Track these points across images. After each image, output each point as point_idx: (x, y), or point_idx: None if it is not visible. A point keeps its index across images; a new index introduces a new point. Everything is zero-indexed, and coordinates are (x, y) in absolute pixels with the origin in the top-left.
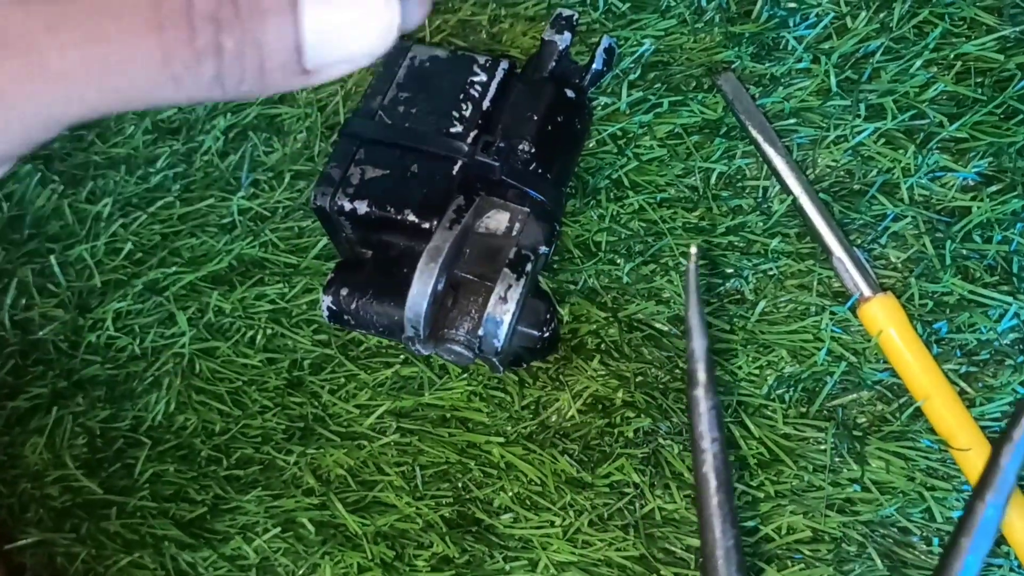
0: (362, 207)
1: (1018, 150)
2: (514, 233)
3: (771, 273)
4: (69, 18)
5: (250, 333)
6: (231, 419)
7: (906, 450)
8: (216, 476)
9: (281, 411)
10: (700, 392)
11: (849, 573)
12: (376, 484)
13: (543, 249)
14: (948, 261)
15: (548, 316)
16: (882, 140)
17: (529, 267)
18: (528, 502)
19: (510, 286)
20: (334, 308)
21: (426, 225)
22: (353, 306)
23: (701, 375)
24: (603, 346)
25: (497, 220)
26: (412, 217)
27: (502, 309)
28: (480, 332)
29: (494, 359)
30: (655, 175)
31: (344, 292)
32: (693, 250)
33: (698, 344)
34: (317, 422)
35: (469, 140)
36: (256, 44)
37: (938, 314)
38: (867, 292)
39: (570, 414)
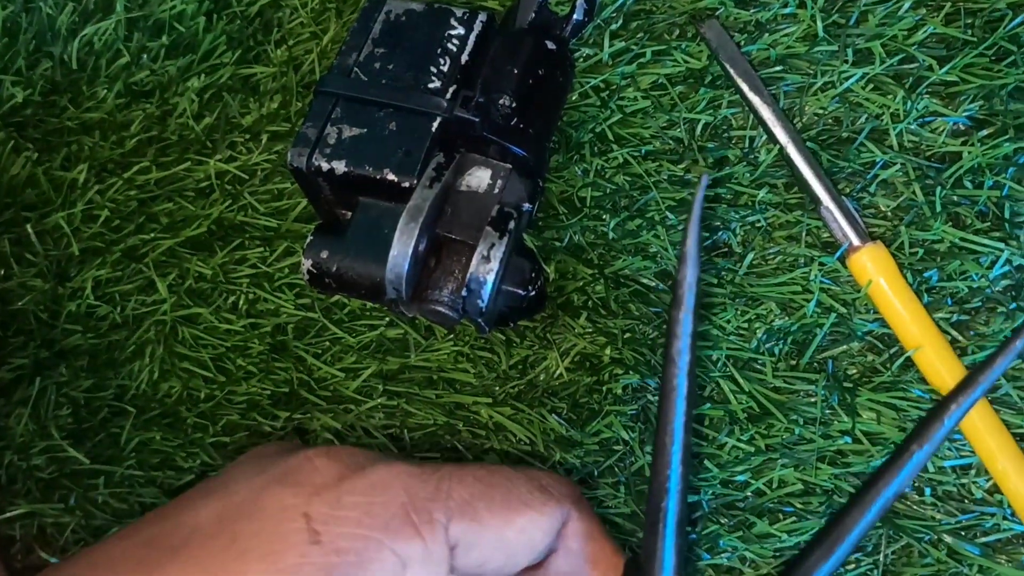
0: (340, 167)
1: (1009, 92)
2: (496, 190)
3: (759, 225)
4: None
5: (232, 298)
6: (216, 386)
7: (897, 400)
8: (203, 443)
9: (266, 377)
10: (682, 315)
11: None
12: (364, 447)
13: (526, 206)
14: (938, 208)
15: (533, 275)
16: (870, 86)
17: (512, 225)
18: (517, 462)
19: (493, 245)
20: (314, 271)
21: (406, 184)
22: (334, 268)
23: (687, 300)
24: (590, 303)
25: (479, 177)
26: (391, 176)
27: (485, 268)
28: (463, 292)
29: (479, 319)
30: (639, 127)
31: (324, 254)
32: (704, 179)
33: (690, 272)
34: (302, 387)
35: (448, 95)
36: None
37: (928, 262)
38: (856, 242)
39: (558, 373)
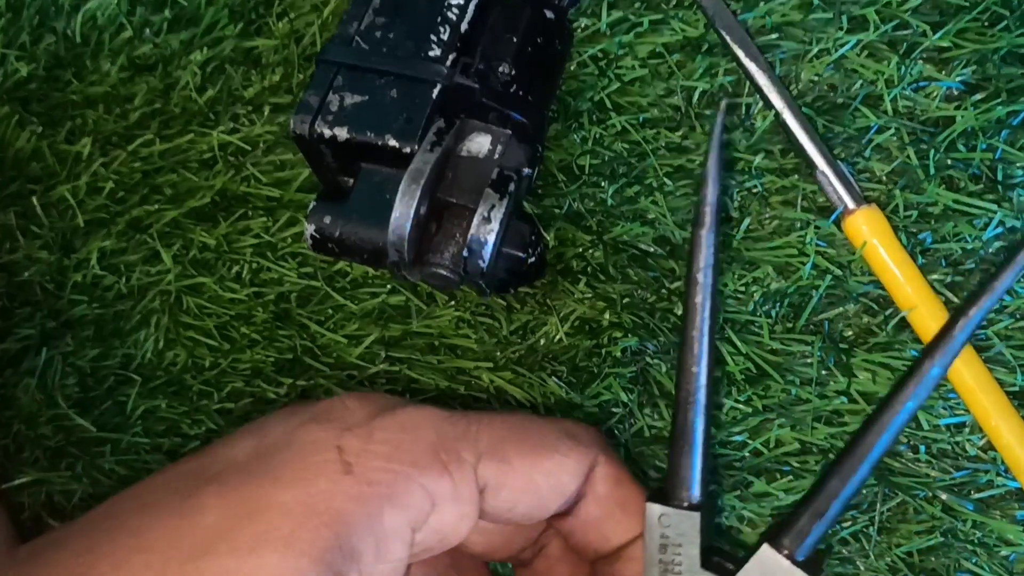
0: (342, 133)
1: (1002, 57)
2: (496, 155)
3: (755, 191)
4: None
5: (235, 268)
6: (220, 354)
7: (892, 360)
8: (208, 410)
9: (270, 344)
10: (704, 232)
11: None
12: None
13: (526, 171)
14: (932, 171)
15: (533, 238)
16: (865, 52)
17: (512, 187)
18: None
19: (493, 206)
20: (317, 236)
21: (407, 149)
22: (337, 233)
23: (708, 218)
24: (589, 269)
25: (479, 143)
26: (392, 142)
27: (486, 229)
28: (465, 253)
29: (480, 282)
30: (637, 96)
31: (327, 219)
32: (723, 104)
33: (712, 191)
34: (306, 354)
35: (448, 63)
36: None
37: (923, 225)
38: (851, 205)
39: (558, 337)
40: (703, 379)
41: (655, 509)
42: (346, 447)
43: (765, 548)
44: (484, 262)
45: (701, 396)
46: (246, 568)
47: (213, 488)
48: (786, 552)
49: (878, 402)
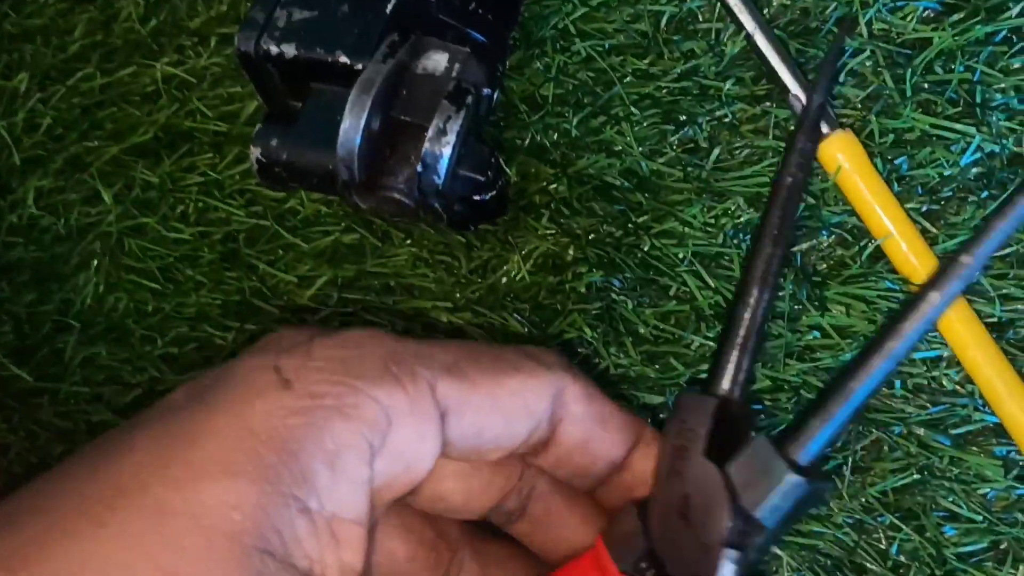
0: (290, 50)
1: None
2: (454, 73)
3: (725, 119)
4: None
5: (180, 207)
6: (164, 298)
7: (867, 292)
8: (151, 357)
9: (216, 287)
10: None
11: None
12: None
13: (486, 91)
14: (909, 94)
15: (493, 160)
16: None
17: (470, 100)
18: None
19: (449, 117)
20: (264, 160)
21: (359, 66)
22: (284, 157)
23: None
24: (553, 204)
25: (435, 60)
26: (343, 58)
27: (441, 142)
28: (419, 168)
29: (435, 204)
30: (603, 22)
31: (274, 142)
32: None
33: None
34: (255, 296)
35: None
36: None
37: (898, 150)
38: (825, 130)
39: (520, 275)
40: (766, 279)
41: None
42: (284, 366)
43: (760, 439)
44: (439, 178)
45: (757, 295)
46: (183, 498)
47: (142, 429)
48: (786, 453)
49: (859, 341)
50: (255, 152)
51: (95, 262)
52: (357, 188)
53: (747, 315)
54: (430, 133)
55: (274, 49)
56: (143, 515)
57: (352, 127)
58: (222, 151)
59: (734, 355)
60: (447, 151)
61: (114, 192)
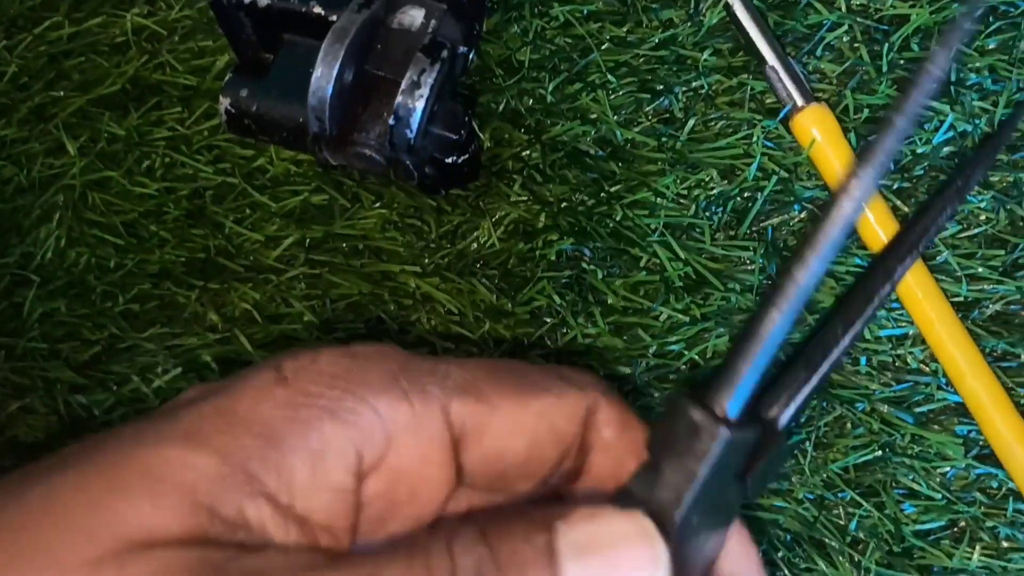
0: None
1: None
2: (429, 29)
3: (701, 91)
4: None
5: (147, 162)
6: (127, 253)
7: (836, 267)
8: (111, 314)
9: (181, 244)
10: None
11: None
12: (284, 318)
13: (462, 49)
14: (885, 70)
15: (466, 120)
16: None
17: (445, 54)
18: (445, 334)
19: (423, 70)
20: (233, 111)
21: (333, 17)
22: (254, 108)
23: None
24: (525, 171)
25: (411, 16)
26: (317, 8)
27: (415, 95)
28: (391, 122)
29: (407, 160)
30: None
31: (244, 93)
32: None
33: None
34: (220, 255)
35: None
36: None
37: (872, 126)
38: (800, 102)
39: (490, 241)
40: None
41: (681, 403)
42: (286, 367)
43: (681, 400)
44: (411, 131)
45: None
46: (143, 454)
47: (146, 416)
48: (711, 406)
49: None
50: (224, 102)
51: (57, 215)
52: (327, 142)
53: (835, 347)
54: (403, 85)
55: None
56: (101, 468)
57: (324, 76)
58: (191, 106)
59: (803, 381)
60: (420, 104)
61: (79, 144)
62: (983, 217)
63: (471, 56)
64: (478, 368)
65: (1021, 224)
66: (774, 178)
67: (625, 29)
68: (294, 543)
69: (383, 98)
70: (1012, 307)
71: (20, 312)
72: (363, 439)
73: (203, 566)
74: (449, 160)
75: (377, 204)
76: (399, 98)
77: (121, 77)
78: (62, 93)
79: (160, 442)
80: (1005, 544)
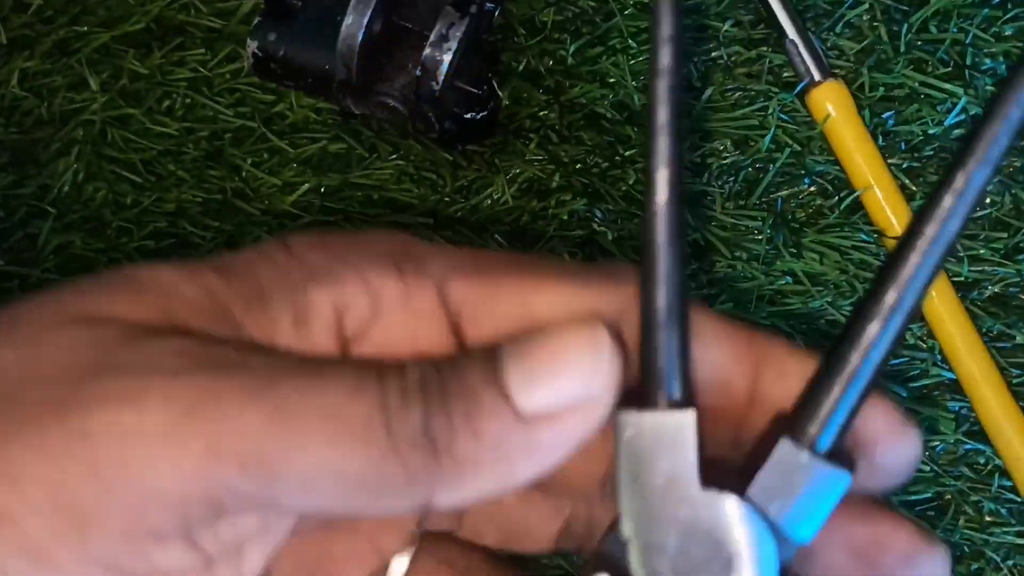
0: None
1: None
2: None
3: (720, 61)
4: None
5: (167, 102)
6: (144, 191)
7: (842, 241)
8: (126, 249)
9: (198, 184)
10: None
11: None
12: None
13: (489, 5)
14: (903, 50)
15: (489, 75)
16: None
17: (474, 9)
18: None
19: (452, 24)
20: (260, 55)
21: None
22: (281, 52)
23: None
24: (542, 130)
25: None
26: None
27: (443, 48)
28: (418, 72)
29: (429, 112)
30: None
31: (272, 37)
32: None
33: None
34: (236, 196)
35: None
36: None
37: (887, 105)
38: (817, 77)
39: (504, 198)
40: (672, 249)
41: (627, 418)
42: (292, 237)
43: (784, 444)
44: (437, 84)
45: (668, 266)
46: (137, 270)
47: None
48: (809, 442)
49: (829, 289)
50: (252, 46)
51: (76, 149)
52: (353, 90)
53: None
54: (432, 37)
55: None
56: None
57: (355, 24)
58: (214, 48)
59: (675, 349)
60: (448, 57)
61: (101, 80)
62: (988, 200)
63: (496, 13)
64: (494, 255)
65: (1023, 209)
66: (787, 151)
67: None
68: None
69: (409, 49)
70: (1011, 289)
71: (35, 243)
72: (345, 303)
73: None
74: (468, 115)
75: (394, 156)
76: (427, 50)
77: (146, 16)
78: (86, 28)
79: (156, 264)
80: (988, 518)
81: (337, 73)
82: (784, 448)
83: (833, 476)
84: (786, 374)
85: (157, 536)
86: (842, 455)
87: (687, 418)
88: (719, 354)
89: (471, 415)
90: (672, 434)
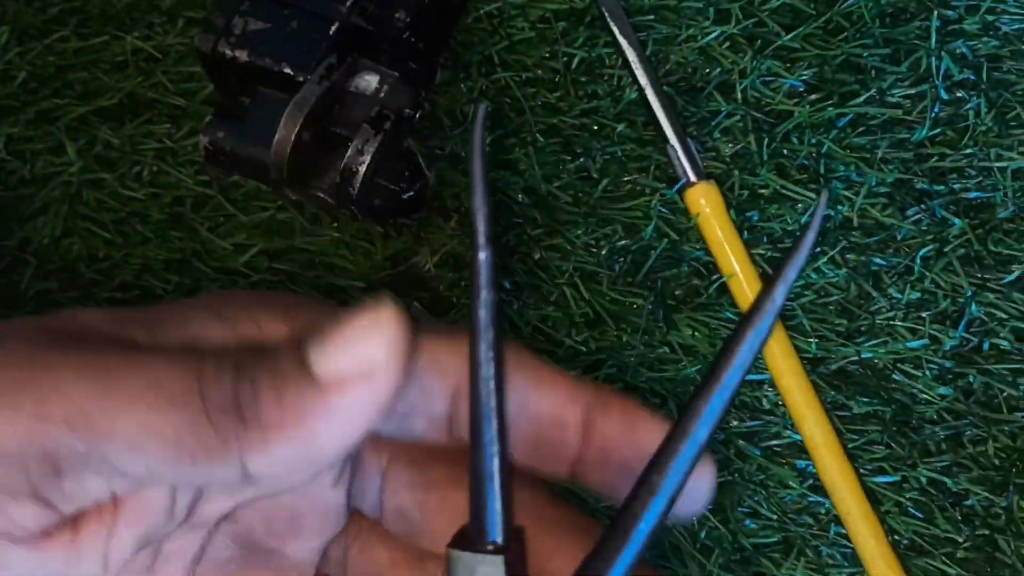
0: (242, 56)
1: (839, 63)
2: (381, 95)
3: (616, 156)
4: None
5: (136, 168)
6: (114, 247)
7: (711, 319)
8: (98, 298)
9: (161, 243)
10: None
11: None
12: None
13: (408, 111)
14: (767, 157)
15: (408, 174)
16: (726, 43)
17: (388, 125)
18: None
19: (367, 140)
20: (211, 148)
21: (300, 78)
22: (228, 148)
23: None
24: (462, 209)
25: (367, 81)
26: (287, 70)
27: (358, 160)
28: (337, 180)
29: (352, 207)
30: (523, 56)
31: (221, 134)
32: (482, 109)
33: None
34: (194, 256)
35: (348, 4)
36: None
37: (752, 204)
38: (693, 178)
39: (427, 267)
40: (492, 408)
41: (456, 556)
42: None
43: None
44: (354, 190)
45: (492, 424)
46: None
47: None
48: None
49: (700, 359)
50: (204, 140)
51: (55, 208)
52: (287, 183)
53: (495, 452)
54: (349, 152)
55: (228, 53)
56: None
57: (284, 139)
58: (179, 123)
59: (496, 496)
60: (363, 168)
61: (78, 147)
62: (836, 289)
63: (417, 115)
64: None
65: (866, 298)
66: (666, 240)
67: (556, 96)
68: None
69: (337, 150)
70: (851, 366)
71: (18, 289)
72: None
73: None
74: (398, 193)
75: (333, 225)
76: (345, 160)
77: (119, 92)
78: (66, 100)
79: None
80: (827, 560)
81: (271, 173)
82: None
83: None
84: (611, 414)
85: (10, 493)
86: None
87: (497, 562)
88: (555, 395)
89: (276, 385)
90: (485, 574)
